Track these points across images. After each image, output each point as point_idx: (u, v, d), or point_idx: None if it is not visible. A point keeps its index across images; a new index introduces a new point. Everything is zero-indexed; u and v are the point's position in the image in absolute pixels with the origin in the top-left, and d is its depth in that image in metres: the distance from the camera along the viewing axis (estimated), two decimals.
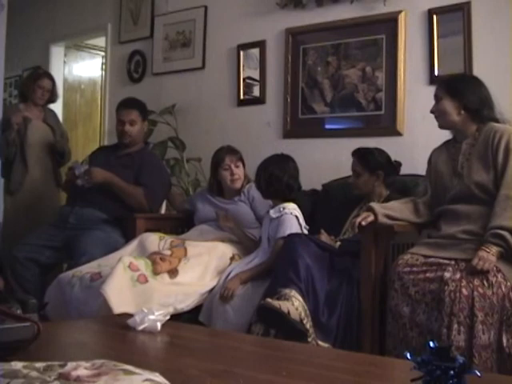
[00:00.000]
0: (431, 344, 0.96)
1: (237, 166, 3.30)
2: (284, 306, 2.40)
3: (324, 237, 2.90)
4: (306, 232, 2.93)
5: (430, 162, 2.68)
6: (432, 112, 2.57)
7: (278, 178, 2.93)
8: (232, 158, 3.31)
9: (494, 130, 2.40)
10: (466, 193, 2.43)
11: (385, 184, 3.02)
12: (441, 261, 2.32)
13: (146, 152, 3.66)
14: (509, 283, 2.19)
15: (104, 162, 3.51)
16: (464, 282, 2.18)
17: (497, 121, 2.46)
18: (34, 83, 4.12)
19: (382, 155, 3.05)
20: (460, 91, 2.49)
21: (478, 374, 0.94)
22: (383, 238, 2.54)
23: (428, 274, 2.29)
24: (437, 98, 2.54)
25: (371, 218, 2.50)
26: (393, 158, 3.11)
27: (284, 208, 2.90)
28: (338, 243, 2.90)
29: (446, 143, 2.63)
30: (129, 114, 3.55)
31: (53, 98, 4.26)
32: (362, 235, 2.54)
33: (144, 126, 3.66)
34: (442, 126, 2.58)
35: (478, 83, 2.55)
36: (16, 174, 4.05)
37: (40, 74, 4.22)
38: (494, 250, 2.22)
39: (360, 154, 3.04)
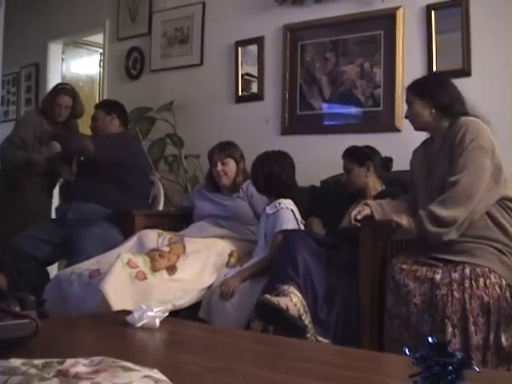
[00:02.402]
0: (429, 340, 0.95)
1: (223, 164, 3.29)
2: (282, 302, 2.40)
3: (316, 223, 2.91)
4: (302, 227, 2.94)
5: (410, 163, 2.68)
6: (406, 117, 2.58)
7: (276, 177, 2.92)
8: (219, 155, 3.31)
9: (460, 125, 2.35)
10: (441, 193, 2.35)
11: (378, 177, 3.02)
12: (432, 261, 2.32)
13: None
14: (504, 282, 2.19)
15: None
16: (455, 285, 2.18)
17: (468, 115, 2.41)
18: (53, 101, 3.97)
19: (370, 148, 3.06)
20: (428, 90, 2.48)
21: (477, 369, 0.94)
22: (382, 235, 2.53)
23: (418, 274, 2.28)
24: (408, 102, 2.55)
25: (367, 211, 2.49)
26: (391, 154, 3.12)
27: (280, 203, 2.90)
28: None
29: (424, 142, 2.62)
30: (94, 113, 3.74)
31: (74, 113, 4.08)
32: (361, 232, 2.53)
33: (109, 120, 3.66)
34: (417, 129, 2.58)
35: (445, 80, 2.55)
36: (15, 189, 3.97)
37: (58, 92, 4.02)
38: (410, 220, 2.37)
39: (348, 152, 3.06)
